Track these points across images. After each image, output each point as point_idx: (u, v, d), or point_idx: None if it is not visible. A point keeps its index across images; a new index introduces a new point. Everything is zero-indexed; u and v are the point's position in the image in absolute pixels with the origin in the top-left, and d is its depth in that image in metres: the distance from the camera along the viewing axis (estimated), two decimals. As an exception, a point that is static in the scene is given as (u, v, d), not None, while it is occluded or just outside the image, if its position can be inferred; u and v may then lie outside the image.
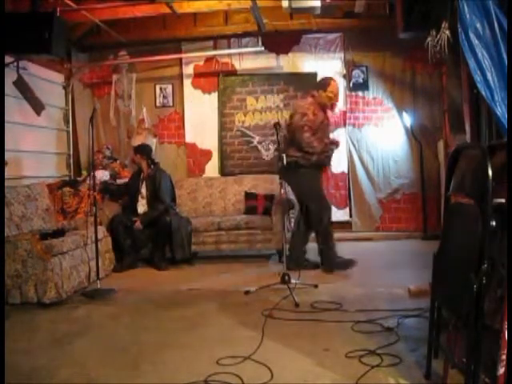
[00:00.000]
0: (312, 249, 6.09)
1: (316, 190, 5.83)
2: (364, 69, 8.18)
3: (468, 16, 3.07)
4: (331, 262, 5.77)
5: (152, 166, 6.74)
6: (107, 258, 5.97)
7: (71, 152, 8.17)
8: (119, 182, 7.47)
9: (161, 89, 8.55)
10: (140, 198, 6.70)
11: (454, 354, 2.71)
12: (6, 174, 5.30)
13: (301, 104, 5.93)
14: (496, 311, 2.32)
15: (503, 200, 2.36)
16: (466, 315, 2.38)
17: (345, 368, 3.05)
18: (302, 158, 5.70)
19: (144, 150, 6.82)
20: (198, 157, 8.50)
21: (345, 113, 8.20)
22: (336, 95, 5.99)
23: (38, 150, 7.29)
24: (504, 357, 2.17)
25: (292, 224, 7.03)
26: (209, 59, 8.41)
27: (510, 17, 2.89)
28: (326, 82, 5.94)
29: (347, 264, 5.72)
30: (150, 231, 6.42)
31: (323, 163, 5.94)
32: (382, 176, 8.12)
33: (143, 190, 6.69)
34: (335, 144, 6.05)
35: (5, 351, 2.76)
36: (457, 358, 2.68)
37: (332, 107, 6.19)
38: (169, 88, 8.54)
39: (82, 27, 7.72)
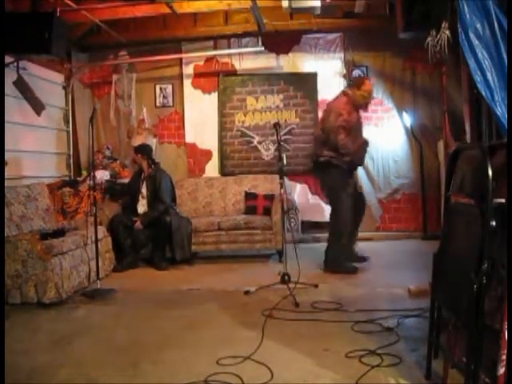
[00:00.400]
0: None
1: (339, 191, 5.73)
2: (364, 69, 8.17)
3: (468, 16, 3.07)
4: (334, 263, 5.75)
5: (153, 166, 6.75)
6: (107, 257, 5.97)
7: (71, 152, 8.17)
8: (119, 182, 7.47)
9: (161, 89, 8.55)
10: (140, 198, 6.71)
11: (454, 353, 2.71)
12: (6, 173, 5.30)
13: (335, 104, 5.81)
14: (496, 311, 2.32)
15: (503, 200, 2.36)
16: (466, 315, 2.38)
17: (345, 368, 3.05)
18: (335, 158, 5.65)
19: (144, 150, 6.83)
20: (198, 157, 8.51)
21: (345, 113, 8.19)
22: (370, 95, 5.90)
23: (38, 150, 7.29)
24: (504, 357, 2.17)
25: (292, 224, 7.04)
26: (209, 59, 8.41)
27: (510, 17, 2.89)
28: (361, 80, 5.90)
29: (349, 270, 5.70)
30: (151, 231, 6.42)
31: (356, 164, 5.93)
32: (382, 176, 8.12)
33: (143, 190, 6.69)
34: (367, 144, 5.99)
35: (5, 351, 2.76)
36: (457, 358, 2.68)
37: (366, 107, 6.02)
38: (169, 88, 8.54)
39: (82, 27, 7.71)
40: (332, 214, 5.86)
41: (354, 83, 5.89)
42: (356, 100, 5.72)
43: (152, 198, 6.59)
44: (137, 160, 6.84)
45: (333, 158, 5.64)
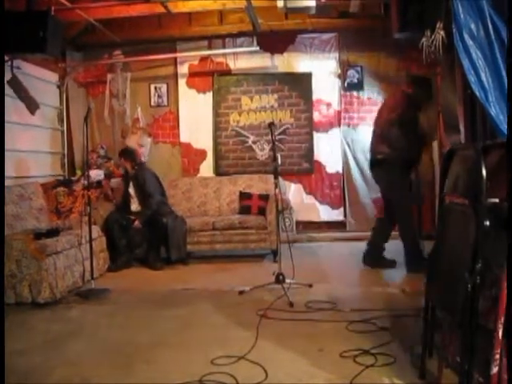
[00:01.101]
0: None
1: (399, 188, 5.71)
2: (359, 69, 8.18)
3: (462, 16, 3.08)
4: (420, 263, 5.63)
5: (136, 168, 6.77)
6: (101, 257, 5.96)
7: (65, 151, 8.15)
8: (113, 181, 7.47)
9: (155, 88, 8.54)
10: (131, 199, 6.73)
11: (448, 353, 2.72)
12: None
13: (393, 99, 5.86)
14: (490, 311, 2.33)
15: (497, 200, 2.37)
16: (460, 315, 2.39)
17: (339, 368, 3.06)
18: (390, 154, 5.62)
19: (127, 153, 6.89)
20: (192, 156, 8.49)
21: (339, 112, 8.21)
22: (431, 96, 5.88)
23: (33, 150, 7.26)
24: (497, 356, 2.18)
25: (286, 224, 7.02)
26: (203, 59, 8.40)
27: (510, 18, 2.89)
28: (422, 79, 5.91)
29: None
30: (146, 231, 6.43)
31: (412, 160, 5.87)
32: (376, 176, 8.11)
33: (131, 191, 6.72)
34: (422, 141, 5.94)
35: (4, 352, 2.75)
36: (451, 358, 2.69)
37: (421, 106, 5.93)
38: (163, 87, 8.53)
39: (77, 26, 7.68)
40: (397, 213, 5.83)
41: (414, 80, 5.91)
42: (415, 98, 5.73)
43: (141, 196, 6.63)
44: (121, 164, 6.96)
45: (388, 154, 5.63)
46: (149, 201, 6.52)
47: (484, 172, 2.31)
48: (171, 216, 6.59)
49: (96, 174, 7.38)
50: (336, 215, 8.20)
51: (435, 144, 7.37)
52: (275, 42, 8.18)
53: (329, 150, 8.20)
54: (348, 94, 8.22)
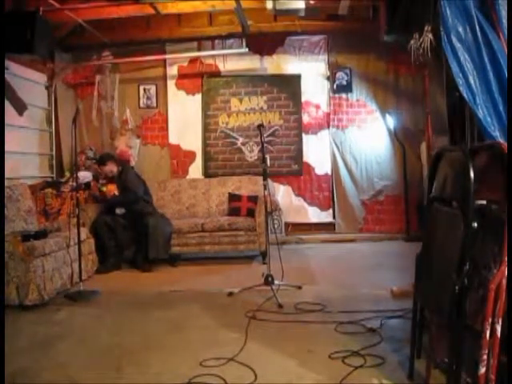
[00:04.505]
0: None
1: None
2: (348, 71, 8.21)
3: (450, 19, 3.09)
4: None
5: (119, 168, 6.79)
6: (90, 259, 5.93)
7: (54, 153, 8.11)
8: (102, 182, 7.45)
9: (144, 90, 8.52)
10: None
11: (436, 354, 2.73)
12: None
13: None
14: (477, 312, 2.34)
15: (484, 202, 2.39)
16: (448, 316, 2.40)
17: (328, 369, 3.06)
18: None
19: (108, 157, 6.89)
20: (181, 158, 8.49)
21: (328, 114, 8.23)
22: None
23: (20, 151, 7.21)
24: (485, 357, 2.19)
25: (275, 225, 7.03)
26: (193, 60, 8.40)
27: (510, 18, 2.91)
28: None
29: None
30: (133, 233, 6.41)
31: None
32: (365, 178, 8.15)
33: (116, 193, 6.70)
34: None
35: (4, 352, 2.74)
36: (439, 358, 2.70)
37: None
38: (152, 89, 8.52)
39: (66, 27, 7.65)
40: None
41: None
42: None
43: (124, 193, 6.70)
44: (106, 170, 6.77)
45: None
46: (127, 193, 6.58)
47: (472, 174, 2.33)
48: (154, 215, 6.60)
49: (84, 176, 7.35)
50: (325, 217, 8.22)
51: (423, 145, 7.42)
52: (264, 43, 8.21)
53: (318, 152, 8.23)
54: (337, 95, 8.25)
